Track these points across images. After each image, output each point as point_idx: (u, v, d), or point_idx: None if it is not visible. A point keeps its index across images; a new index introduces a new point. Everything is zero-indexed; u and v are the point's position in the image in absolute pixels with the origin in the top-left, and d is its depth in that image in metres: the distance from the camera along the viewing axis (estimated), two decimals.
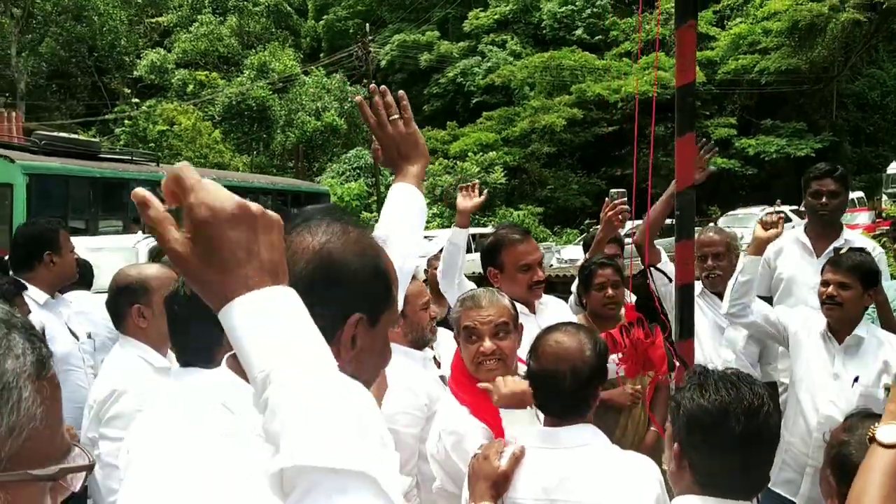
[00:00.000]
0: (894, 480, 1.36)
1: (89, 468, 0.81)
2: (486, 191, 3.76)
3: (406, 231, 1.78)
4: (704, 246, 3.76)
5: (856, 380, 3.20)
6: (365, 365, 1.22)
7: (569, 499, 1.95)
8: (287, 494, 0.86)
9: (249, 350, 0.91)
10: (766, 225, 3.42)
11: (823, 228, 4.00)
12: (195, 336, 2.05)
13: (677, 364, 3.06)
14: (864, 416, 1.93)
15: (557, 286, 6.84)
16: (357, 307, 1.18)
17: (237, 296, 0.91)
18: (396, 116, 1.81)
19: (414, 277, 3.13)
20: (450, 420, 2.41)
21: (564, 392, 2.03)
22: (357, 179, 32.34)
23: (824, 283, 3.27)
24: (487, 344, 2.42)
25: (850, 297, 3.20)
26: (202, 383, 1.22)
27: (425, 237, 19.12)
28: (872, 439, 1.40)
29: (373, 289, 1.21)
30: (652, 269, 3.70)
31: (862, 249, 3.56)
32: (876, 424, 1.42)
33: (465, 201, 3.58)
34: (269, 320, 0.92)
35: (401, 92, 1.85)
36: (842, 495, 1.83)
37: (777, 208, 3.93)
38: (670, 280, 3.66)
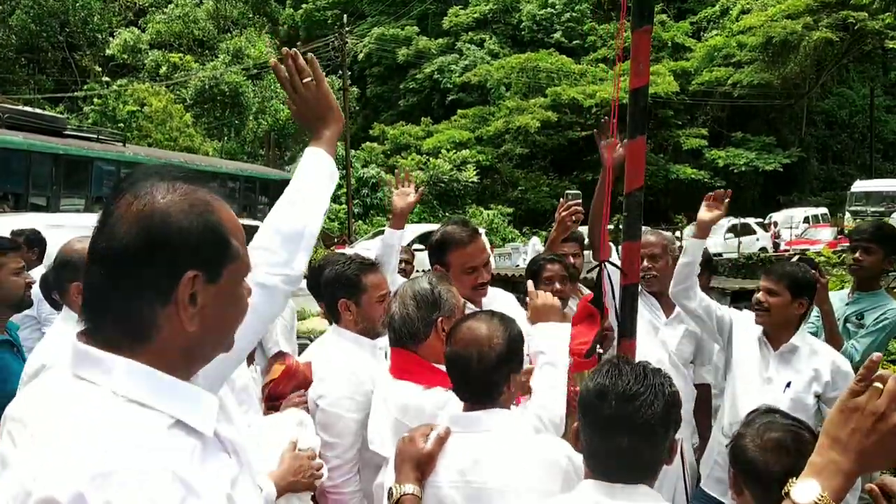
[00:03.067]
0: None
1: None
2: (420, 188, 3.75)
3: (312, 195, 1.77)
4: (641, 247, 3.79)
5: (788, 385, 3.28)
6: (213, 321, 1.22)
7: (482, 481, 1.99)
8: None
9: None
10: (710, 206, 3.42)
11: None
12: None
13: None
14: (765, 412, 2.00)
15: (520, 286, 6.87)
16: (190, 264, 1.17)
17: None
18: (309, 79, 1.84)
19: (377, 267, 3.12)
20: (437, 400, 2.36)
21: (472, 375, 2.07)
22: None
23: (756, 288, 3.37)
24: None
25: (777, 304, 3.28)
26: None
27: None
28: (787, 494, 1.23)
29: (205, 244, 1.19)
30: (607, 263, 3.71)
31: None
32: (793, 480, 1.24)
33: (400, 201, 3.59)
34: None
35: (309, 55, 1.89)
36: (739, 487, 1.90)
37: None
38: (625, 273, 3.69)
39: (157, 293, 1.15)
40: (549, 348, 2.61)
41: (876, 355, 1.25)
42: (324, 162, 1.83)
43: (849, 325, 3.90)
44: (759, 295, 3.32)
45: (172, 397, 1.15)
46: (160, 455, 1.05)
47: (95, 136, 16.69)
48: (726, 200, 3.50)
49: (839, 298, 4.07)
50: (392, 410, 2.44)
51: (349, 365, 2.85)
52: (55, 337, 2.74)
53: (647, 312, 3.80)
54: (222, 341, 1.29)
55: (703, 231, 3.50)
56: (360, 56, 43.60)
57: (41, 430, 1.07)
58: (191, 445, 1.12)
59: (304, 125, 1.89)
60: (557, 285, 3.73)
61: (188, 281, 1.16)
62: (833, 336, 3.76)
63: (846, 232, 25.52)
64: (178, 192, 1.19)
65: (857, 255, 3.93)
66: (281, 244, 1.66)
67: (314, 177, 1.79)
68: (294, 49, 1.88)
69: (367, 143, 38.74)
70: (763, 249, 25.29)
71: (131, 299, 1.15)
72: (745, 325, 3.54)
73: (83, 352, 1.16)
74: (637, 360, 1.85)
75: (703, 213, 3.45)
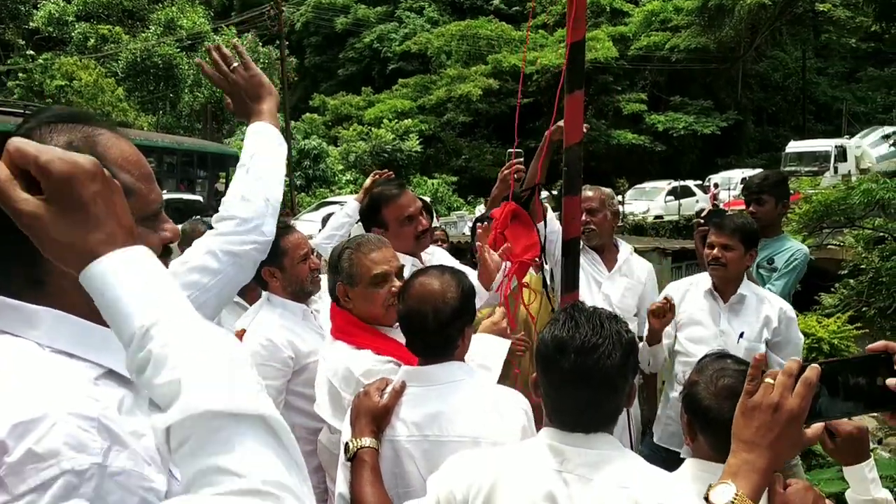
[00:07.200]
0: None
1: None
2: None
3: (269, 163, 1.81)
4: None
5: (741, 335, 3.38)
6: None
7: (440, 433, 1.99)
8: (176, 448, 0.88)
9: (127, 305, 0.90)
10: (656, 313, 3.37)
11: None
12: None
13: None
14: (717, 357, 2.00)
15: (467, 253, 6.90)
16: None
17: (104, 253, 0.91)
18: (237, 64, 1.88)
19: (291, 230, 3.08)
20: (363, 364, 2.33)
21: (428, 331, 2.06)
22: None
23: (710, 246, 3.43)
24: (399, 283, 2.40)
25: (732, 258, 3.38)
26: None
27: (337, 202, 19.01)
28: (707, 499, 1.29)
29: None
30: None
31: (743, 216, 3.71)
32: (712, 485, 1.30)
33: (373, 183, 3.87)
34: (141, 276, 0.92)
35: (233, 41, 2.00)
36: (693, 433, 1.91)
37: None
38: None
39: None
40: (486, 356, 2.52)
41: (759, 354, 1.34)
42: (270, 131, 1.87)
43: (761, 270, 4.06)
44: (716, 251, 3.39)
45: (101, 347, 1.09)
46: (85, 405, 1.00)
47: (22, 110, 16.04)
48: (671, 306, 3.45)
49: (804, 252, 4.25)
50: (328, 372, 2.41)
51: (265, 333, 2.85)
52: None
53: (588, 266, 3.84)
54: None
55: (656, 337, 3.49)
56: (298, 25, 42.77)
57: None
58: (120, 395, 1.07)
59: (241, 113, 1.92)
60: None
61: None
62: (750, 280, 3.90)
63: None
64: (56, 133, 1.13)
65: (751, 208, 4.13)
66: (249, 211, 1.73)
67: (266, 145, 1.83)
68: (215, 43, 1.94)
69: (308, 115, 38.14)
70: (702, 210, 25.88)
71: (13, 250, 1.06)
72: (686, 287, 3.64)
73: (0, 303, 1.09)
74: None
75: (654, 323, 3.41)
